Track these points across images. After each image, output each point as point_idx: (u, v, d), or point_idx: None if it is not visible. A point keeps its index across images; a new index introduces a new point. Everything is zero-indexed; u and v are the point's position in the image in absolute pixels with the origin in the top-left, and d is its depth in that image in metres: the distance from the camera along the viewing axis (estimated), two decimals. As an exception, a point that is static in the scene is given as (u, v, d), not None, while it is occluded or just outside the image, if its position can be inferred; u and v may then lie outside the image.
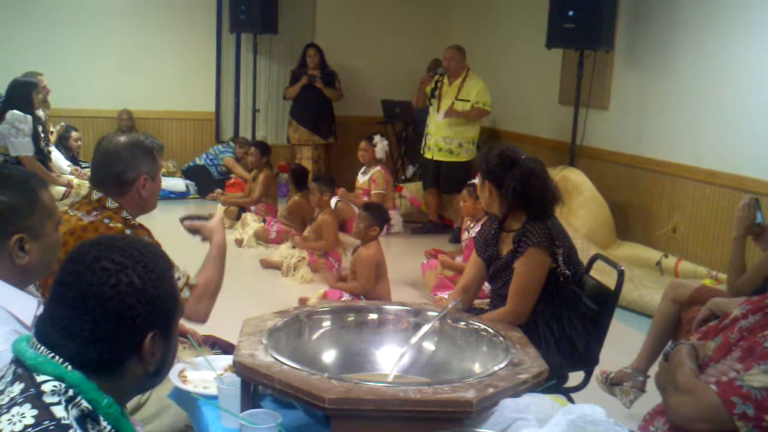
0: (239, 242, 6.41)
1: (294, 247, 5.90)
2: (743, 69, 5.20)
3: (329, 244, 5.79)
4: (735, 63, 5.26)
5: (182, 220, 2.70)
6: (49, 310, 1.35)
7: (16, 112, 6.04)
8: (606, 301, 2.93)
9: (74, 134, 7.66)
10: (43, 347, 1.32)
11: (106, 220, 2.42)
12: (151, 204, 2.58)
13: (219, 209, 7.08)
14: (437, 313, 2.32)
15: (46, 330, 1.34)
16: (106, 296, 1.30)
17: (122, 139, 2.53)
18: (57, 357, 1.31)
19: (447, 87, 6.90)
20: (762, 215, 3.30)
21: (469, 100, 6.77)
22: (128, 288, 1.31)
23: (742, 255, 3.32)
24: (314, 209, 6.06)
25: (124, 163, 2.47)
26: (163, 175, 2.79)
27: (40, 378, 1.29)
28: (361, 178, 7.25)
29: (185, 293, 2.41)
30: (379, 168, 7.12)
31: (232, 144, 8.35)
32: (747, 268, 3.30)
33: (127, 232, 2.40)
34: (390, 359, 2.23)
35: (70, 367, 1.30)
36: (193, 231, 2.68)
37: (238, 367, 1.93)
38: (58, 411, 1.25)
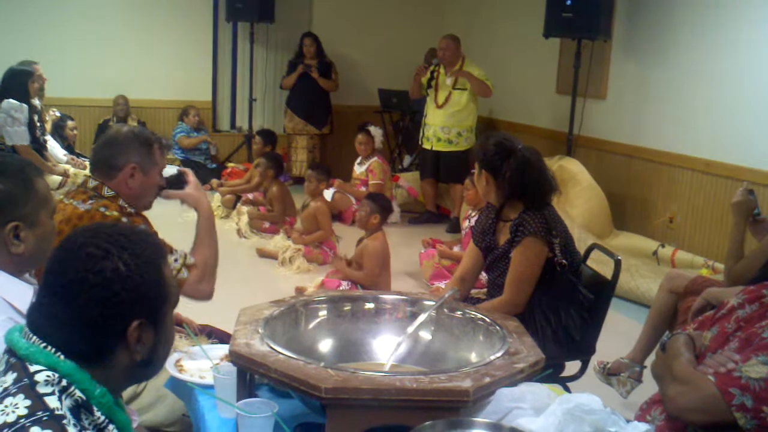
0: (239, 233, 6.40)
1: (289, 238, 5.89)
2: (740, 59, 5.18)
3: (327, 233, 5.78)
4: (732, 53, 5.24)
5: (159, 190, 2.58)
6: (39, 299, 1.34)
7: (11, 101, 6.01)
8: (602, 291, 2.92)
9: (70, 123, 7.61)
10: (35, 337, 1.31)
11: (102, 209, 2.40)
12: (142, 200, 2.52)
13: (216, 198, 7.07)
14: (434, 303, 2.31)
15: (37, 319, 1.33)
16: (91, 282, 1.29)
17: (126, 128, 2.56)
18: (49, 347, 1.30)
19: (443, 77, 6.86)
20: (758, 206, 3.29)
21: (466, 89, 6.74)
22: (113, 275, 1.30)
23: (742, 241, 3.30)
24: (288, 196, 6.12)
25: (116, 148, 2.47)
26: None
27: (33, 368, 1.28)
28: (358, 169, 7.21)
29: (183, 273, 2.41)
30: (376, 158, 7.09)
31: (182, 124, 8.35)
32: (745, 256, 3.29)
33: (123, 220, 2.39)
34: (386, 349, 2.23)
35: (62, 357, 1.29)
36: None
37: (234, 357, 1.93)
38: (52, 401, 1.24)
